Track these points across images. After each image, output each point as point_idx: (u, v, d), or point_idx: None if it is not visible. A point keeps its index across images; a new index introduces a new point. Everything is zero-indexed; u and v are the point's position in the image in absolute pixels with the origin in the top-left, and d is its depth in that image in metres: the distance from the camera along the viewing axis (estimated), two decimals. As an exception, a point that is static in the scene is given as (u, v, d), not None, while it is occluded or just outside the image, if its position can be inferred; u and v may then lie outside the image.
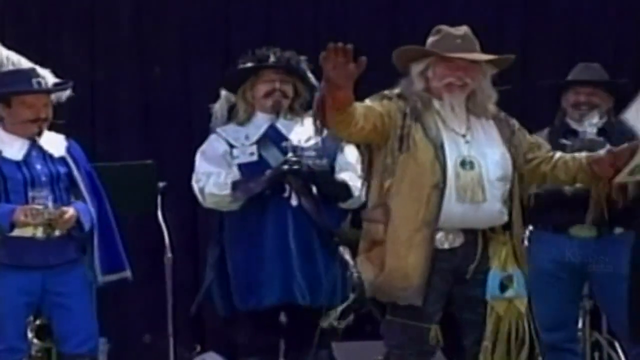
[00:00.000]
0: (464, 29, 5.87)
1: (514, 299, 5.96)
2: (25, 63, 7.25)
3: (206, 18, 9.66)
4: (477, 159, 5.86)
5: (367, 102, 5.78)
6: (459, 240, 5.92)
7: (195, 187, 7.10)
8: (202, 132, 7.74)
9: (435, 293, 5.99)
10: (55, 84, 7.11)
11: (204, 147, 7.36)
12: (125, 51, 9.53)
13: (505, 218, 6.03)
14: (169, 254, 7.39)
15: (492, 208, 5.96)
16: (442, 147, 5.80)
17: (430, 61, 5.69)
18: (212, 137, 7.32)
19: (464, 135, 5.86)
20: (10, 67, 7.24)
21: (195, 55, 9.53)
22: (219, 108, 7.59)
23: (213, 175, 7.12)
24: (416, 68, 5.78)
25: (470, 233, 5.99)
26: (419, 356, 6.05)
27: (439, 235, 5.93)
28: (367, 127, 5.67)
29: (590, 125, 7.42)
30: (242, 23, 9.42)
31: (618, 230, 7.27)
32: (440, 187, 5.80)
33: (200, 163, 7.28)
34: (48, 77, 7.16)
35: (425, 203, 5.81)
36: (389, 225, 5.90)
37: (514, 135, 6.04)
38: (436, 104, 5.80)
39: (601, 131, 7.51)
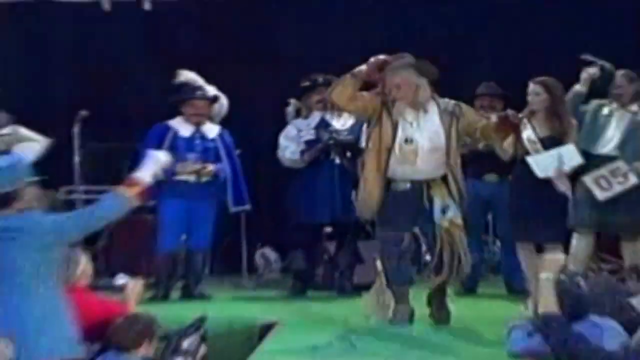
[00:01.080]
0: (403, 55, 8.50)
1: (452, 217, 8.61)
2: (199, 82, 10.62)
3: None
4: (417, 137, 8.43)
5: (369, 94, 8.47)
6: (405, 186, 8.57)
7: (279, 154, 10.43)
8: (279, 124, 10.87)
9: (401, 216, 8.66)
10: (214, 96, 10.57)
11: (284, 132, 10.63)
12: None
13: (440, 172, 8.60)
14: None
15: (425, 167, 8.57)
16: (395, 128, 8.38)
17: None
18: (289, 127, 10.61)
19: (411, 123, 8.45)
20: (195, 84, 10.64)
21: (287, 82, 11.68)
22: (290, 110, 10.94)
23: (289, 147, 10.37)
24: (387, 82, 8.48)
25: (416, 182, 8.58)
26: (398, 258, 8.68)
27: (393, 183, 8.60)
28: (361, 105, 8.48)
29: None
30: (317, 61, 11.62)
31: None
32: (389, 153, 8.44)
33: (281, 140, 10.49)
34: (211, 91, 10.62)
35: (383, 161, 8.46)
36: (363, 172, 8.75)
37: (455, 117, 8.56)
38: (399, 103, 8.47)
39: None
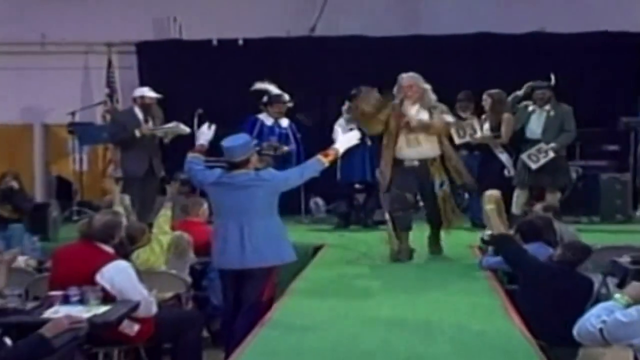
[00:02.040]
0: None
1: (445, 189, 9.37)
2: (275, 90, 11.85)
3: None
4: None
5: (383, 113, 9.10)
6: (414, 163, 9.25)
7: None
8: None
9: (408, 184, 9.22)
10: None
11: (338, 122, 11.64)
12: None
13: (437, 153, 9.26)
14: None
15: (426, 150, 9.23)
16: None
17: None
18: (338, 122, 11.74)
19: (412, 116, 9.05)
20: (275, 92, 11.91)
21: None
22: (345, 110, 11.92)
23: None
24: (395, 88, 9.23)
25: (422, 160, 9.22)
26: (402, 211, 9.28)
27: (406, 161, 9.17)
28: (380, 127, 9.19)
29: None
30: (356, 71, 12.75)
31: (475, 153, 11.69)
32: (396, 138, 9.12)
33: (337, 127, 10.90)
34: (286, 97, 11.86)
35: (392, 145, 9.21)
36: (383, 151, 9.37)
37: (433, 109, 9.23)
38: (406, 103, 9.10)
39: None
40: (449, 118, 9.67)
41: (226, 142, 7.29)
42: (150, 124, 11.39)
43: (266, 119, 12.05)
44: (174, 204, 9.00)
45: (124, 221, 7.33)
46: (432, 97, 9.43)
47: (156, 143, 11.40)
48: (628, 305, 4.61)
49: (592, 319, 4.61)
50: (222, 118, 11.89)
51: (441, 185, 9.40)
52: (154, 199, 11.04)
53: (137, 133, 11.28)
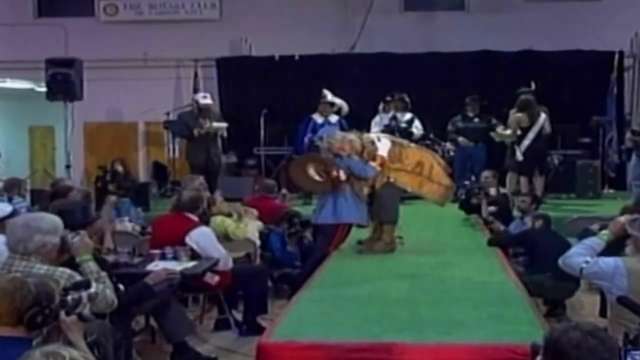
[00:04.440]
0: None
1: None
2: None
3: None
4: None
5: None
6: None
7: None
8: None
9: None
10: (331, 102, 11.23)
11: (375, 119, 11.55)
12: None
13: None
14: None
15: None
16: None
17: None
18: (378, 116, 11.60)
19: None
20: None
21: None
22: (381, 108, 11.84)
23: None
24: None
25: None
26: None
27: None
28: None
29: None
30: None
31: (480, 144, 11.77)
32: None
33: (373, 126, 11.28)
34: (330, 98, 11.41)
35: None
36: None
37: None
38: None
39: None
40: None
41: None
42: (208, 123, 11.13)
43: (318, 117, 11.77)
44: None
45: (205, 195, 7.40)
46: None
47: (211, 137, 11.20)
48: (608, 240, 4.46)
49: (578, 256, 4.38)
50: (282, 118, 13.16)
51: None
52: (216, 180, 10.94)
53: (195, 133, 11.12)
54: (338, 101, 11.62)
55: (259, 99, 13.67)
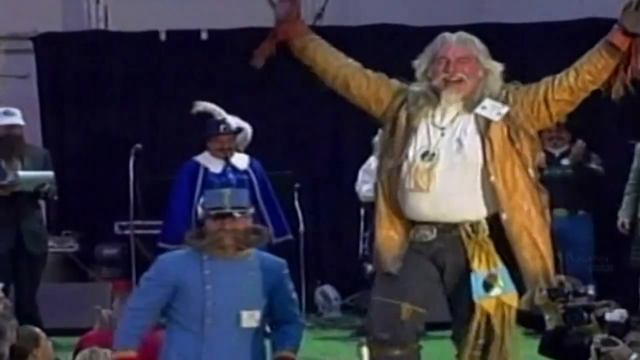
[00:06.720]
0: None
1: (501, 296, 3.99)
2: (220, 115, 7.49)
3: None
4: (440, 150, 3.98)
5: (392, 80, 4.27)
6: (431, 236, 4.03)
7: (357, 188, 7.65)
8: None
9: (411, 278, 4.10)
10: (238, 129, 7.43)
11: (365, 165, 7.74)
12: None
13: (479, 212, 4.01)
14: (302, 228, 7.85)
15: (459, 204, 4.05)
16: (413, 134, 4.06)
17: (429, 62, 4.06)
18: (371, 159, 7.48)
19: (442, 128, 4.04)
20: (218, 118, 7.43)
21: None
22: (377, 141, 6.98)
23: (367, 183, 7.32)
24: (419, 70, 4.15)
25: (446, 228, 4.02)
26: (393, 343, 4.10)
27: (413, 231, 4.06)
28: (364, 86, 4.22)
29: None
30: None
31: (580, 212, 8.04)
32: (397, 170, 4.09)
33: (360, 174, 7.69)
34: (233, 123, 7.50)
35: (390, 186, 4.12)
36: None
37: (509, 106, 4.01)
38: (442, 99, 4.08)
39: None
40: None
41: None
42: (12, 172, 8.26)
43: (210, 163, 8.07)
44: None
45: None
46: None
47: (23, 200, 8.13)
48: None
49: None
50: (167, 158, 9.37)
51: (488, 285, 3.96)
52: (34, 288, 7.92)
53: None
54: (242, 124, 7.88)
55: (122, 119, 9.46)
